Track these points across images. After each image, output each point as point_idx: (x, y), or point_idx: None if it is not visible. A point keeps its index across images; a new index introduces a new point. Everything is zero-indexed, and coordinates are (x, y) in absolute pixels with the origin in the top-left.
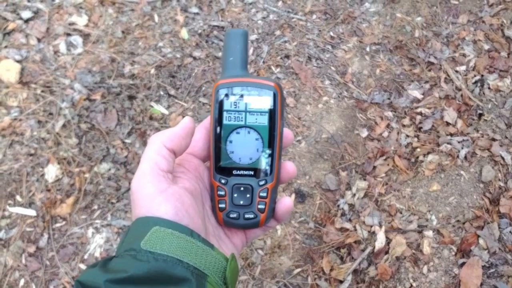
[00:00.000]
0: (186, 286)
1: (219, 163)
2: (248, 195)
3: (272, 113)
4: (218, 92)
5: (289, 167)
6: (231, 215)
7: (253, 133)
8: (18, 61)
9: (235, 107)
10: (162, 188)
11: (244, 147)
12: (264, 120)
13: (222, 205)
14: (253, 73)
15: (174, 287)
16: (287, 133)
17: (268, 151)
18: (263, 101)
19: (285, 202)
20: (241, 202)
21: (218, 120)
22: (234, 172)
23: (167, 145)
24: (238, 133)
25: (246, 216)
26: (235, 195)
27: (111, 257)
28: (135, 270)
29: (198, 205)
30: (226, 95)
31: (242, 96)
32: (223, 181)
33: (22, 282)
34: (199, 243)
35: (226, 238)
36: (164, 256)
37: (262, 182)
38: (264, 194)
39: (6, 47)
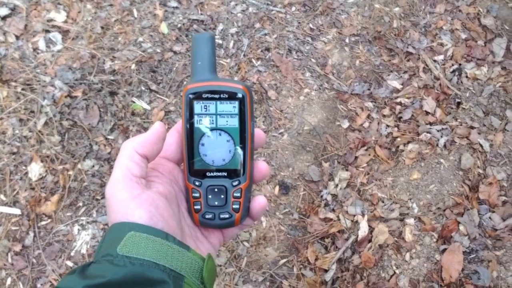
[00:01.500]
0: (164, 287)
1: (193, 166)
2: (222, 196)
3: (242, 115)
4: (188, 97)
5: (261, 166)
6: (207, 216)
7: (224, 135)
8: None
9: (206, 111)
10: (135, 194)
11: (216, 149)
12: (234, 122)
13: (198, 207)
14: (234, 67)
15: None
16: (259, 133)
17: (240, 152)
18: (233, 104)
19: (259, 200)
20: (216, 203)
21: (190, 124)
22: (208, 174)
23: (139, 151)
24: (209, 136)
25: (222, 216)
26: (210, 196)
27: (89, 263)
28: (112, 275)
29: (173, 208)
30: (196, 99)
31: (211, 99)
32: (197, 183)
33: (9, 281)
34: (175, 245)
35: (203, 238)
36: (141, 260)
37: (235, 183)
38: (238, 194)
39: None
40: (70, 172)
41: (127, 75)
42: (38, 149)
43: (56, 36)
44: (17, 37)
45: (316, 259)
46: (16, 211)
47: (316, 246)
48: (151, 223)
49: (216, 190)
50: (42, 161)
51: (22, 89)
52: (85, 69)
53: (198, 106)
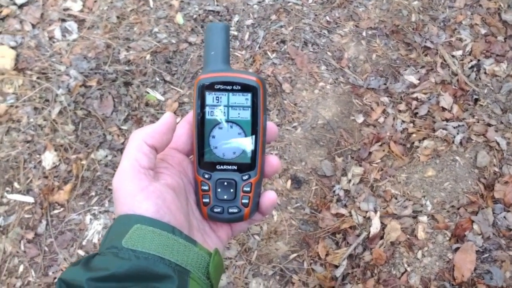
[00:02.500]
0: (168, 283)
1: (203, 158)
2: (231, 190)
3: (254, 108)
4: (200, 87)
5: (273, 161)
6: (215, 210)
7: (236, 128)
8: (13, 48)
9: (217, 102)
10: (143, 185)
11: (227, 142)
12: (246, 115)
13: (206, 200)
14: (249, 59)
15: (156, 284)
16: (271, 126)
17: (251, 145)
18: (245, 96)
19: (269, 195)
20: (225, 197)
21: (201, 115)
22: (218, 167)
23: (148, 142)
24: (220, 128)
25: (230, 210)
26: (219, 189)
27: (93, 255)
28: (116, 268)
29: (181, 201)
30: (208, 90)
31: (224, 90)
32: (206, 176)
33: (21, 268)
34: (181, 240)
35: (211, 232)
36: (146, 254)
37: (245, 177)
38: (248, 189)
39: (0, 33)
40: (84, 162)
41: (141, 65)
42: (52, 138)
43: (72, 25)
44: (33, 26)
45: (326, 255)
46: (30, 199)
47: (327, 242)
48: (158, 216)
49: (225, 183)
50: (56, 150)
51: (37, 77)
52: (100, 58)
53: (210, 97)
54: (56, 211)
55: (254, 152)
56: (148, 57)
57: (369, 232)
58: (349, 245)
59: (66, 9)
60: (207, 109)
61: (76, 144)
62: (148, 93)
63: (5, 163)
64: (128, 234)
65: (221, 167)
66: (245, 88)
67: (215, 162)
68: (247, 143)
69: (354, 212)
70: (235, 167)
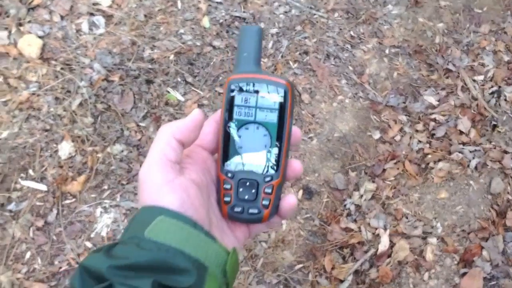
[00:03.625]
0: (187, 277)
1: (227, 157)
2: (253, 190)
3: (282, 111)
4: (230, 87)
5: (295, 165)
6: (236, 209)
7: (262, 129)
8: (40, 37)
9: (246, 103)
10: (169, 178)
11: (252, 143)
12: (273, 117)
13: (227, 199)
14: (270, 67)
15: (175, 277)
16: (296, 131)
17: (276, 148)
18: (274, 98)
19: (290, 199)
20: (246, 197)
21: (229, 115)
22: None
23: (176, 136)
24: (247, 128)
25: (250, 211)
26: (241, 189)
27: (115, 243)
28: (137, 258)
29: (204, 197)
30: (238, 90)
31: (253, 92)
32: (229, 174)
33: (28, 254)
34: (202, 235)
35: (229, 231)
36: (167, 246)
37: (268, 179)
38: (269, 191)
39: (29, 22)
40: (99, 155)
41: (164, 65)
42: (70, 129)
43: (99, 19)
44: (62, 17)
45: (332, 268)
46: (43, 187)
47: (334, 255)
48: (182, 210)
49: (247, 184)
50: (73, 141)
51: (61, 68)
52: (124, 55)
53: (239, 98)
54: (67, 201)
55: (278, 154)
56: (171, 57)
57: (377, 249)
58: (356, 260)
59: (95, 4)
60: (235, 109)
61: (93, 136)
62: (168, 92)
63: (22, 149)
64: (151, 225)
65: (245, 167)
66: (274, 90)
67: (239, 161)
68: (271, 145)
69: (364, 228)
70: (259, 168)
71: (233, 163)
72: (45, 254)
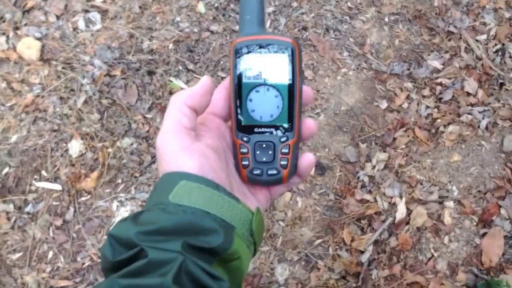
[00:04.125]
0: (215, 236)
1: (241, 122)
2: (270, 152)
3: (291, 70)
4: (236, 51)
5: (309, 123)
6: (255, 172)
7: (273, 91)
8: (38, 39)
9: (254, 65)
10: (185, 144)
11: (264, 105)
12: (283, 77)
13: (245, 163)
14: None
15: (203, 237)
16: (307, 89)
17: (288, 108)
18: (282, 58)
19: (307, 157)
20: (264, 159)
21: (238, 79)
22: (256, 129)
23: (188, 103)
24: (257, 91)
25: (269, 172)
26: (258, 152)
27: (141, 211)
28: (164, 222)
29: (222, 162)
30: (245, 53)
31: (260, 53)
32: (245, 139)
33: (50, 254)
34: (225, 196)
35: (251, 195)
36: (192, 209)
37: (283, 139)
38: (286, 150)
39: (26, 24)
40: (109, 150)
41: (164, 54)
42: (78, 127)
43: (95, 15)
44: (58, 17)
45: (352, 240)
46: (57, 186)
47: (352, 227)
48: (202, 173)
49: (264, 146)
50: (82, 139)
51: (62, 68)
52: (123, 48)
53: (246, 61)
54: (83, 198)
55: (291, 114)
56: (170, 46)
57: (395, 218)
58: (374, 230)
59: (89, 0)
60: (243, 72)
61: (101, 132)
62: (171, 81)
63: (33, 151)
64: (174, 190)
65: (259, 129)
66: (281, 50)
67: (253, 125)
68: (284, 105)
69: (379, 198)
70: (273, 129)
71: (247, 127)
72: (67, 252)
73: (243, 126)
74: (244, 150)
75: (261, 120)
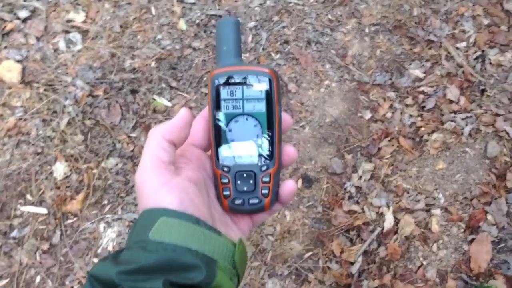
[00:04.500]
0: (197, 272)
1: (221, 152)
2: (251, 181)
3: (269, 99)
4: (214, 82)
5: (289, 150)
6: (236, 202)
7: (252, 120)
8: (18, 61)
9: (232, 96)
10: (165, 180)
11: (244, 135)
12: (261, 107)
13: (227, 193)
14: (253, 61)
15: (185, 274)
16: (286, 117)
17: (268, 137)
18: (260, 88)
19: (289, 185)
20: (245, 188)
21: (217, 110)
22: (236, 159)
23: (167, 137)
24: (237, 121)
25: (251, 201)
26: (239, 182)
27: (121, 250)
28: (145, 261)
29: (203, 194)
30: (222, 84)
31: (238, 84)
32: (225, 169)
33: (38, 279)
34: (206, 230)
35: (233, 224)
36: (173, 245)
37: (264, 168)
38: (267, 179)
39: (5, 47)
40: (94, 171)
41: (147, 72)
42: (62, 149)
43: (75, 36)
44: (38, 39)
45: (341, 252)
46: (43, 210)
47: (341, 239)
48: (182, 208)
49: (245, 175)
50: (66, 161)
51: (44, 89)
52: (105, 68)
53: (224, 92)
54: (69, 221)
55: (271, 143)
56: (153, 64)
57: (383, 228)
58: (363, 241)
59: (69, 21)
60: (222, 103)
61: (86, 153)
62: (155, 99)
63: (17, 175)
64: (154, 227)
65: (240, 159)
66: (258, 80)
67: (233, 154)
68: (263, 135)
69: (367, 208)
70: (254, 159)
71: (228, 157)
72: (54, 276)
73: (223, 156)
74: (225, 180)
75: (241, 149)
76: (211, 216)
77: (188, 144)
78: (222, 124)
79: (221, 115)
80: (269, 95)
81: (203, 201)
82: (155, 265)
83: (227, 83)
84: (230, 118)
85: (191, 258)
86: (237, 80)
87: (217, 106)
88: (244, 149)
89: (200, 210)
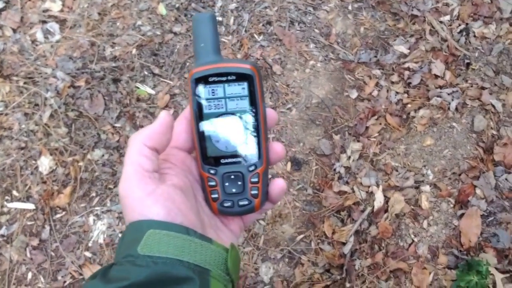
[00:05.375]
0: (190, 284)
1: (206, 154)
2: (239, 182)
3: (252, 96)
4: (194, 82)
5: (277, 147)
6: (225, 204)
7: (236, 119)
8: None
9: (214, 95)
10: (149, 189)
11: (229, 134)
12: (245, 104)
13: (215, 195)
14: (236, 44)
15: (178, 287)
16: (271, 113)
17: (254, 135)
18: (242, 85)
19: (278, 183)
20: (234, 190)
21: (198, 110)
22: (222, 160)
23: (148, 144)
24: (220, 121)
25: (240, 203)
26: (227, 183)
27: (110, 265)
28: (136, 277)
29: (190, 200)
30: (203, 83)
31: (219, 82)
32: (212, 171)
33: (29, 275)
34: (196, 239)
35: (224, 227)
36: (163, 259)
37: (252, 168)
38: (256, 179)
39: None
40: (80, 163)
41: (128, 60)
42: (46, 142)
43: (53, 26)
44: (14, 30)
45: (333, 233)
46: (30, 206)
47: (332, 220)
48: (170, 219)
49: (232, 177)
50: (51, 154)
51: (24, 83)
52: (85, 57)
53: (205, 91)
54: (58, 215)
55: (258, 141)
56: (134, 51)
57: (373, 207)
58: (354, 221)
59: (45, 11)
60: (204, 103)
61: (71, 146)
62: (138, 88)
63: (1, 172)
64: (142, 240)
65: (226, 160)
66: (240, 77)
67: (219, 156)
68: (249, 133)
69: (357, 188)
70: (240, 159)
71: (213, 159)
72: (46, 272)
73: (209, 158)
74: (212, 183)
75: (227, 150)
76: (201, 222)
77: (171, 147)
78: (205, 124)
79: (203, 116)
80: (252, 92)
81: (191, 207)
82: (146, 281)
83: (207, 82)
84: (213, 118)
85: (183, 270)
86: (217, 78)
87: (198, 106)
88: (230, 149)
89: (188, 218)
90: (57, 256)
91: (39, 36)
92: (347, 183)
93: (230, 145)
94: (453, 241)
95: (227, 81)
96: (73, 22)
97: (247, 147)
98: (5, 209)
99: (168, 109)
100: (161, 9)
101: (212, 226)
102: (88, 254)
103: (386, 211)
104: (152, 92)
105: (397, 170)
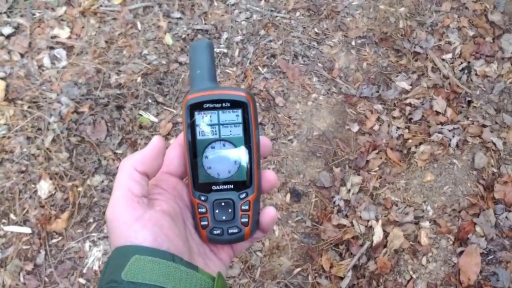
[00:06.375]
0: None
1: (197, 180)
2: (230, 210)
3: (246, 124)
4: (189, 108)
5: (269, 176)
6: (215, 232)
7: (229, 146)
8: (2, 78)
9: (208, 121)
10: (137, 214)
11: (221, 161)
12: (238, 131)
13: (205, 223)
14: (240, 75)
15: None
16: (265, 141)
17: (246, 163)
18: (235, 112)
19: (269, 212)
20: (224, 218)
21: (192, 136)
22: (214, 187)
23: (138, 169)
24: (213, 147)
25: (230, 231)
26: (217, 211)
27: None
28: None
29: (178, 226)
30: (197, 110)
31: (213, 109)
32: (202, 198)
33: None
34: (182, 267)
35: (212, 255)
36: (147, 286)
37: (243, 195)
38: (246, 207)
39: None
40: (80, 189)
41: (133, 88)
42: (46, 167)
43: (60, 52)
44: (22, 55)
45: (331, 267)
46: (27, 230)
47: (330, 254)
48: (156, 245)
49: (223, 204)
50: (51, 179)
51: (28, 107)
52: (90, 84)
53: (199, 117)
54: (54, 240)
55: (250, 169)
56: (139, 79)
57: (372, 241)
58: (352, 255)
59: (53, 37)
60: (197, 129)
61: (71, 171)
62: (141, 115)
63: (0, 195)
64: (127, 266)
65: (217, 187)
66: (234, 104)
67: (210, 182)
68: (241, 161)
69: (356, 222)
70: (232, 186)
71: (205, 185)
72: None
73: (200, 184)
74: (203, 210)
75: (219, 177)
76: (188, 249)
77: (164, 172)
78: (198, 150)
79: (196, 142)
80: (245, 119)
81: (179, 234)
82: None
83: (202, 108)
84: (206, 144)
85: None
86: (212, 105)
87: (192, 132)
88: (222, 176)
89: (175, 245)
90: (51, 282)
91: (46, 61)
92: (346, 216)
93: (222, 172)
94: (452, 278)
95: (222, 108)
96: (80, 49)
97: (239, 175)
98: (1, 232)
99: (170, 137)
100: (168, 39)
101: (200, 254)
102: (82, 280)
103: (385, 246)
104: (155, 119)
105: (396, 205)
